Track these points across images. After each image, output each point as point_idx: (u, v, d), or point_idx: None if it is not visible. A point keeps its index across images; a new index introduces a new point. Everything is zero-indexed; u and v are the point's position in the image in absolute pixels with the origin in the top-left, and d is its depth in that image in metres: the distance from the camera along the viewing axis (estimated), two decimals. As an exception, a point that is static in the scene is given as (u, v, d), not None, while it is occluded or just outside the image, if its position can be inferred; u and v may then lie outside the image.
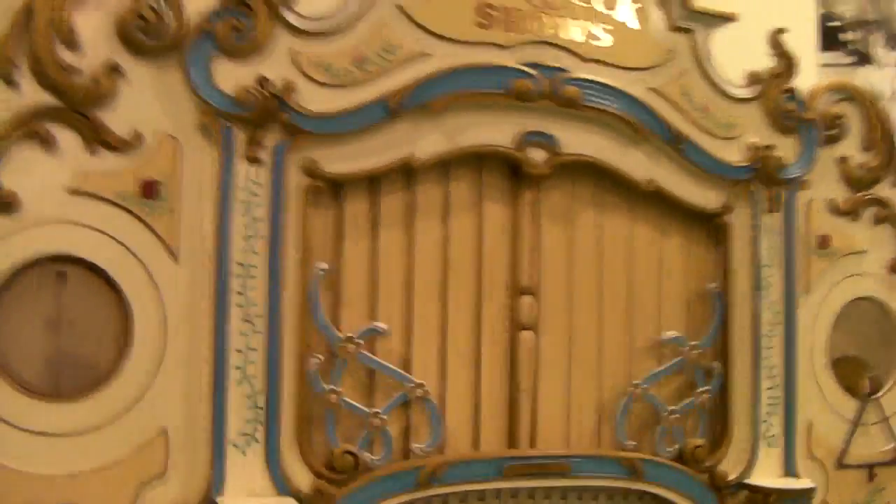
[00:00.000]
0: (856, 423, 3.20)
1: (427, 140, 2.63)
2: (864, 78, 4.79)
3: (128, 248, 2.35)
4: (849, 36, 4.97)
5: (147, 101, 2.38)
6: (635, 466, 2.81)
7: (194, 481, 2.40)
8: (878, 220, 3.28)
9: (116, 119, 2.34)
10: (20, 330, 2.29)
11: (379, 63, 2.57)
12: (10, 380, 2.26)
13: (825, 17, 4.89)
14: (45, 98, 2.28)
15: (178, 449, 2.39)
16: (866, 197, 3.26)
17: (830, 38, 4.90)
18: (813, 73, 3.23)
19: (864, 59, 4.98)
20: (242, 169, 2.43)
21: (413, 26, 2.61)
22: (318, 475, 2.50)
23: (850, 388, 3.23)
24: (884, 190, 3.29)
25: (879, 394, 3.26)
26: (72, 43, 2.30)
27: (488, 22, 2.69)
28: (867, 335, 3.30)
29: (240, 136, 2.43)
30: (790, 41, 3.12)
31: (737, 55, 3.03)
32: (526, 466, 2.70)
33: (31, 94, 2.27)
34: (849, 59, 4.94)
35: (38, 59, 2.27)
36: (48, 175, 2.28)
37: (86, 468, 2.30)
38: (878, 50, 5.04)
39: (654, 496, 2.90)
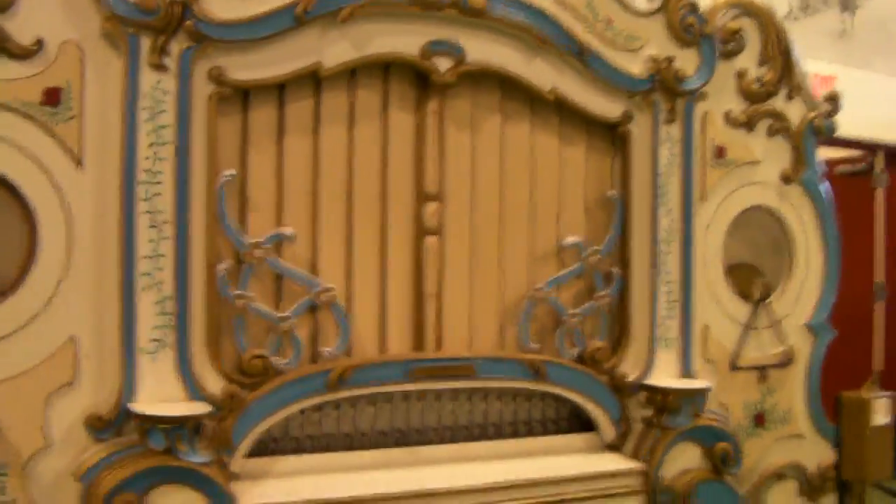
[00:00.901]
0: (748, 327, 3.32)
1: (334, 48, 2.64)
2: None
3: (31, 157, 2.35)
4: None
5: (50, 8, 2.36)
6: (538, 368, 2.90)
7: (106, 388, 2.43)
8: (773, 132, 3.37)
9: (18, 26, 2.32)
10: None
11: (286, -30, 2.56)
12: None
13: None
14: (-58, 4, 2.25)
15: (87, 357, 2.41)
16: (761, 109, 3.35)
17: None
18: (714, -12, 3.29)
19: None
20: (148, 76, 2.43)
21: (320, -67, 2.61)
22: (229, 380, 2.55)
23: (744, 294, 3.35)
24: (778, 103, 3.38)
25: (770, 299, 3.39)
26: (-28, -53, 2.27)
27: (396, -70, 2.69)
28: (760, 243, 3.42)
29: (145, 44, 2.42)
30: (690, -43, 3.18)
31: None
32: (431, 369, 2.78)
33: (-73, -2, 2.24)
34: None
35: (-65, -40, 2.23)
36: (-53, 83, 2.26)
37: None
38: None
39: (557, 397, 3.00)
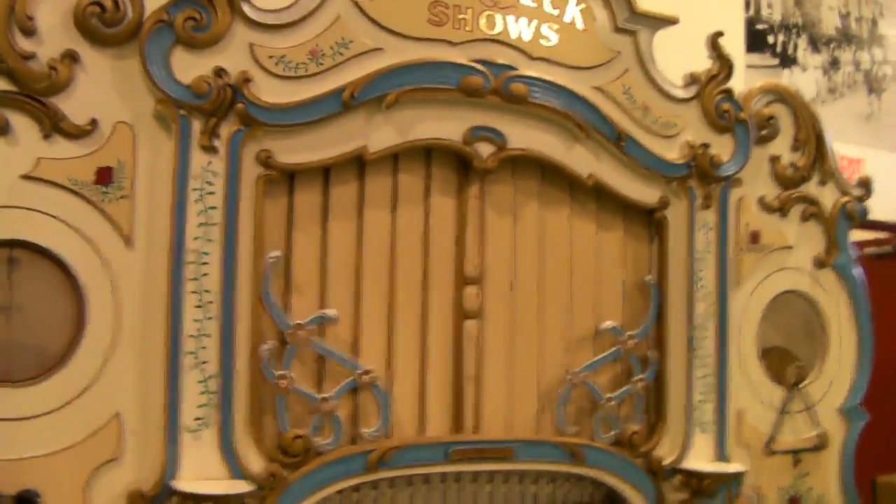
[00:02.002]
0: (782, 411, 3.32)
1: (379, 133, 2.68)
2: (789, 79, 4.95)
3: (82, 235, 2.38)
4: (774, 38, 5.13)
5: (104, 90, 2.41)
6: (575, 451, 2.90)
7: (149, 465, 2.43)
8: (806, 217, 3.41)
9: (73, 106, 2.37)
10: (-30, 316, 2.32)
11: (333, 57, 2.62)
12: (-40, 365, 2.28)
13: (752, 20, 5.04)
14: (1, 84, 2.31)
15: (132, 433, 2.42)
16: (795, 195, 3.38)
17: (756, 40, 5.05)
18: (740, 74, 3.34)
19: (788, 61, 5.14)
20: (198, 158, 2.47)
21: (367, 21, 2.66)
22: (270, 459, 2.55)
23: (778, 378, 3.35)
24: (811, 188, 3.42)
25: (804, 383, 3.39)
26: (29, 30, 2.33)
27: (440, 19, 2.75)
28: (793, 327, 3.43)
29: (196, 126, 2.47)
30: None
31: (670, 55, 3.13)
32: (470, 451, 2.78)
33: (-13, 79, 2.30)
34: (774, 61, 5.10)
35: (-5, 45, 2.29)
36: (2, 161, 2.31)
37: (39, 453, 2.32)
38: (803, 52, 5.20)
39: (593, 480, 3.00)
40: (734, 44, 3.70)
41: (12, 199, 2.31)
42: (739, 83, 3.30)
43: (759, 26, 5.06)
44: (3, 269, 2.34)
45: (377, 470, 2.66)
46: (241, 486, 2.47)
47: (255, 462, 2.53)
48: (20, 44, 2.32)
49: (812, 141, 3.42)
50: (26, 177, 2.32)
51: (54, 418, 2.34)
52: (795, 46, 5.20)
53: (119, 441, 2.41)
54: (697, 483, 3.03)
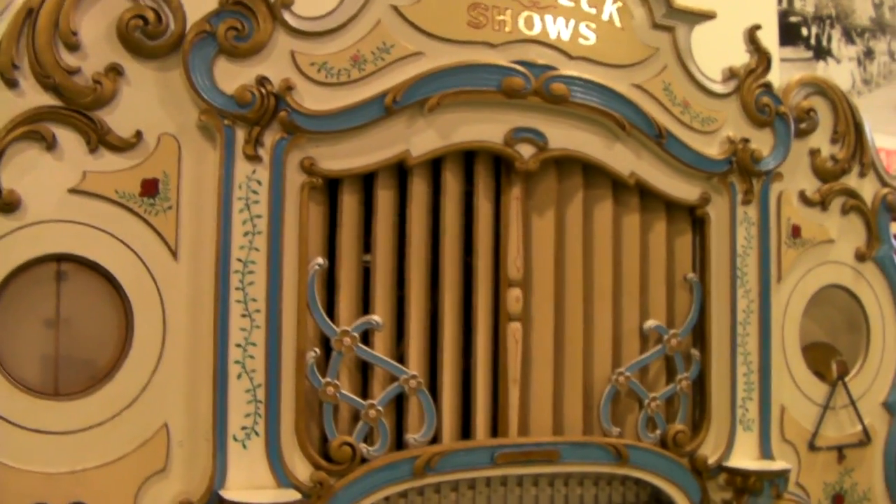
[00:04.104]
0: (825, 407, 3.30)
1: (421, 137, 2.67)
2: (823, 72, 4.91)
3: (128, 246, 2.39)
4: (807, 31, 5.08)
5: (148, 102, 2.41)
6: (621, 452, 2.88)
7: (196, 475, 2.44)
8: (846, 210, 3.38)
9: (117, 119, 2.38)
10: (20, 329, 2.33)
11: (374, 62, 2.61)
12: (10, 379, 2.29)
13: (785, 13, 5.00)
14: (46, 99, 2.32)
15: (179, 444, 2.43)
16: (835, 187, 3.35)
17: (790, 32, 5.01)
18: (775, 68, 3.31)
19: (822, 53, 5.10)
20: (242, 167, 2.47)
21: (407, 25, 2.65)
22: (317, 467, 2.55)
23: (820, 373, 3.33)
24: (851, 180, 3.39)
25: (847, 378, 3.36)
26: (72, 44, 2.34)
27: (479, 21, 2.74)
28: (835, 321, 3.41)
29: (240, 135, 2.47)
30: (751, 36, 3.21)
31: (702, 50, 3.11)
32: (517, 454, 2.77)
33: (33, 94, 2.31)
34: (808, 54, 5.06)
35: (39, 60, 2.30)
36: (49, 175, 2.32)
37: (89, 465, 2.34)
38: (837, 44, 5.16)
39: (637, 481, 2.99)
40: (768, 37, 3.65)
41: (60, 214, 2.32)
42: (775, 77, 3.26)
43: (793, 19, 5.02)
44: (52, 283, 2.36)
45: (424, 476, 2.65)
46: (289, 495, 2.47)
47: (302, 470, 2.53)
48: (65, 59, 2.32)
49: (851, 133, 3.39)
50: (73, 190, 2.33)
51: (103, 431, 2.35)
52: (829, 38, 5.15)
53: (167, 452, 2.41)
54: (742, 481, 3.01)
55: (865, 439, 3.36)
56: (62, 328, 2.36)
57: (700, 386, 3.09)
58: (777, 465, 3.11)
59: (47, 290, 2.35)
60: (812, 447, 3.27)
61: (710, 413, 3.08)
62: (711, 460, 3.05)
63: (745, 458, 3.10)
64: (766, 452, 3.15)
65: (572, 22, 2.87)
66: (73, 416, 2.33)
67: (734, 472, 3.04)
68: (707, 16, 3.07)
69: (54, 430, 2.31)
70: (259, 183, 2.49)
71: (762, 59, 3.17)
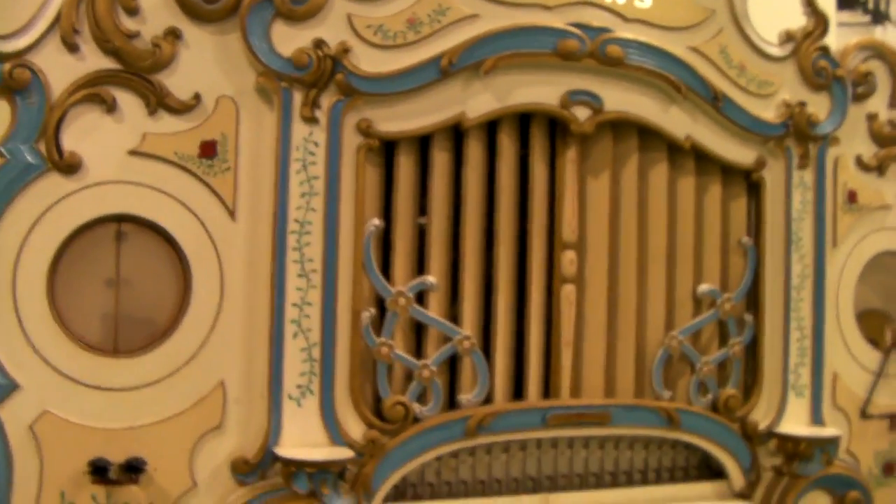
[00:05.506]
0: (879, 375, 3.27)
1: (477, 99, 2.67)
2: (881, 36, 4.82)
3: (187, 207, 2.42)
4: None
5: (206, 65, 2.44)
6: (672, 416, 2.89)
7: (251, 432, 2.48)
8: (904, 175, 3.34)
9: (176, 82, 2.41)
10: (81, 289, 2.37)
11: (430, 25, 2.61)
12: (72, 337, 2.34)
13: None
14: (107, 62, 2.35)
15: (235, 401, 2.47)
16: (893, 152, 3.31)
17: (847, -4, 4.94)
18: (832, 32, 3.26)
19: (879, 17, 5.01)
20: (299, 129, 2.49)
21: (463, -12, 2.65)
22: (370, 425, 2.59)
23: (874, 340, 3.31)
24: (909, 145, 3.35)
25: (901, 345, 3.34)
26: (132, 9, 2.37)
27: (534, -17, 2.73)
28: (891, 288, 3.38)
29: (297, 97, 2.48)
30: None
31: (761, 13, 3.08)
32: (569, 416, 2.79)
33: (93, 58, 2.35)
34: (865, 18, 4.98)
35: (100, 24, 2.33)
36: (109, 137, 2.36)
37: (146, 422, 2.39)
38: (894, 9, 5.07)
39: (687, 445, 2.99)
40: (825, 1, 3.61)
41: (120, 175, 2.36)
42: (832, 41, 3.23)
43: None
44: (112, 243, 2.40)
45: (476, 436, 2.68)
46: (342, 453, 2.51)
47: (355, 429, 2.57)
48: (124, 23, 2.35)
49: (910, 97, 3.34)
50: (133, 152, 2.37)
51: (161, 388, 2.40)
52: (887, 2, 5.06)
53: (223, 409, 2.46)
54: (793, 447, 3.01)
55: (918, 408, 3.34)
56: (122, 287, 2.41)
57: (752, 351, 3.09)
58: (828, 431, 3.10)
59: (107, 250, 2.39)
60: (864, 414, 3.25)
61: (762, 378, 3.07)
62: (762, 426, 3.05)
63: (796, 423, 3.10)
64: (817, 419, 3.14)
65: (628, -17, 2.84)
66: (131, 373, 2.38)
67: (785, 438, 3.04)
68: (764, -23, 3.04)
69: (114, 386, 2.36)
70: (316, 144, 2.50)
71: (819, 21, 3.13)
